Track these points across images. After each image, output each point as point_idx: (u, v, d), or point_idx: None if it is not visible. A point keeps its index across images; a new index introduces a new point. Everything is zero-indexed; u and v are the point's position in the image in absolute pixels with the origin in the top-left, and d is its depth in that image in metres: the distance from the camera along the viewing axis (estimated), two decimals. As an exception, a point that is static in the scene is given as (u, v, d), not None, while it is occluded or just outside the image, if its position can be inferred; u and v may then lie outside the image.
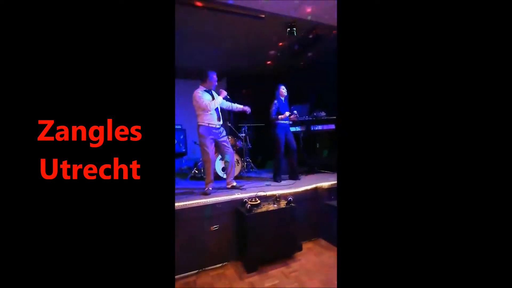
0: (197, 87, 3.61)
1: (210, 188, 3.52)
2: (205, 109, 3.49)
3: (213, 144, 3.63)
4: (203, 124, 3.54)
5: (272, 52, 5.74)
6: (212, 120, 3.56)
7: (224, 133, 3.78)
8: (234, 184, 3.75)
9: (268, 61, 6.29)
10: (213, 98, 3.60)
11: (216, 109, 3.62)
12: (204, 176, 4.02)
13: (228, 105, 3.87)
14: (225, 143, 3.75)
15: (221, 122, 3.70)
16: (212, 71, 3.61)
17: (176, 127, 5.59)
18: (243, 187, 3.71)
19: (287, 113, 4.13)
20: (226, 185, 3.79)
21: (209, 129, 3.56)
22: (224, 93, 3.72)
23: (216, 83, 3.68)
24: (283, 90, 4.25)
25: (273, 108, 4.16)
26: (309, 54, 5.65)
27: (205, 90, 3.58)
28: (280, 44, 5.29)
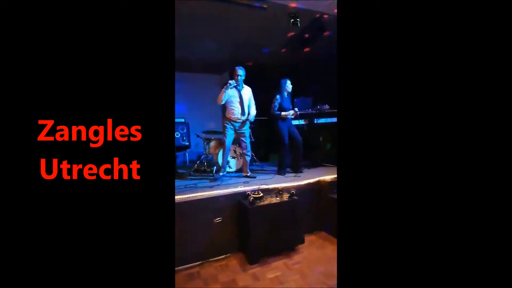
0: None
1: (221, 174, 3.93)
2: (218, 101, 3.77)
3: (232, 135, 3.91)
4: (225, 117, 3.91)
5: (275, 44, 5.66)
6: (233, 114, 3.82)
7: (246, 126, 4.00)
8: (249, 174, 4.02)
9: (271, 53, 6.21)
10: (239, 92, 3.81)
11: (241, 104, 3.81)
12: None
13: (253, 107, 4.04)
14: (242, 135, 3.98)
15: (244, 117, 3.89)
16: (238, 66, 3.81)
17: (180, 120, 5.58)
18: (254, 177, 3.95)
19: (291, 112, 4.10)
20: (242, 173, 4.16)
21: (230, 122, 3.86)
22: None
23: (238, 77, 3.77)
24: (286, 84, 4.17)
25: (275, 103, 4.11)
26: (313, 45, 5.55)
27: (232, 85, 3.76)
28: (284, 35, 5.21)
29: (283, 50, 5.94)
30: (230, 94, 3.73)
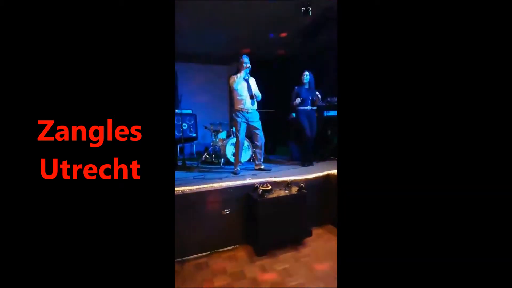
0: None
1: (239, 169, 3.80)
2: (231, 88, 3.71)
3: (245, 127, 3.82)
4: (236, 108, 3.82)
5: (286, 35, 5.54)
6: (244, 104, 3.75)
7: (257, 117, 3.92)
8: (262, 166, 3.96)
9: (282, 44, 6.09)
10: (247, 82, 3.77)
11: (250, 93, 3.78)
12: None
13: (258, 94, 3.95)
14: (255, 127, 3.88)
15: (254, 107, 3.84)
16: (244, 55, 3.77)
17: (187, 111, 5.61)
18: (269, 169, 3.91)
19: (298, 100, 4.07)
20: (254, 167, 4.03)
21: (241, 113, 3.77)
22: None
23: (246, 65, 3.72)
24: (303, 76, 4.19)
25: (292, 95, 4.17)
26: (324, 36, 5.41)
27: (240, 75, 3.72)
28: (296, 24, 5.08)
29: (293, 40, 5.84)
30: (234, 79, 3.68)
